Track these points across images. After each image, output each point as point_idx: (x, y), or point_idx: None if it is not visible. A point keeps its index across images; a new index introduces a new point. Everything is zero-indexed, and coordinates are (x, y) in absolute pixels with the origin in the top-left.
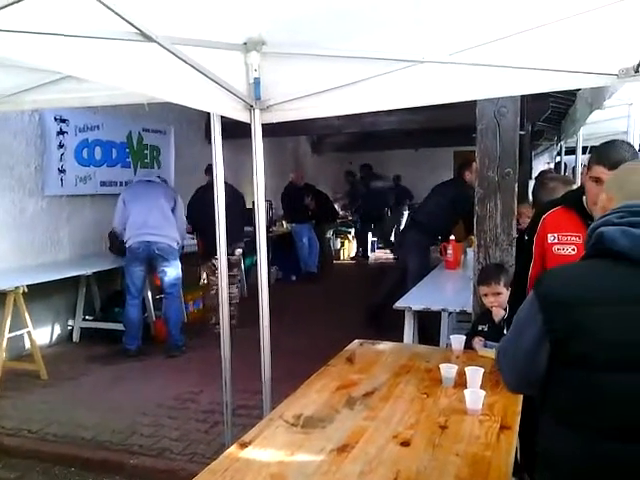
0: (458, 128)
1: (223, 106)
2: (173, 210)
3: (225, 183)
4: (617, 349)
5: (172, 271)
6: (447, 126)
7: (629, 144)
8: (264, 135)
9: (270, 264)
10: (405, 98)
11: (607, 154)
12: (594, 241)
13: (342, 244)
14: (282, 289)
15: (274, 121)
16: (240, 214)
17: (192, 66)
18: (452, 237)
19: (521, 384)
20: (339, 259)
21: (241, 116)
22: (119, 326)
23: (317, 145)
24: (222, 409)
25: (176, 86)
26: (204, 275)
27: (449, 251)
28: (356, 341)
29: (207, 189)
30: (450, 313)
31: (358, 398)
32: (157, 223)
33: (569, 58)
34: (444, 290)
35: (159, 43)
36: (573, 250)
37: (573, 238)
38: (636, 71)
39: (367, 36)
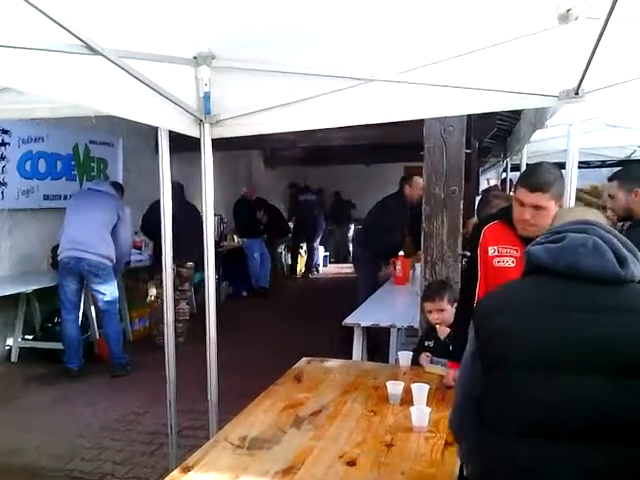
0: (408, 144)
1: (171, 120)
2: (116, 225)
3: (182, 197)
4: (534, 351)
5: (106, 288)
6: (397, 142)
7: (554, 166)
8: (215, 148)
9: (221, 279)
10: (355, 116)
11: (529, 178)
12: (525, 260)
13: (294, 259)
14: (233, 305)
15: (225, 136)
16: (196, 229)
17: (139, 80)
18: (401, 253)
19: (464, 407)
20: (294, 274)
21: (190, 130)
22: (60, 345)
23: (270, 159)
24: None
25: (122, 100)
26: (153, 291)
27: (398, 267)
28: (304, 359)
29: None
30: (399, 329)
31: (305, 417)
32: (88, 239)
33: (513, 79)
34: (393, 306)
35: (105, 56)
36: (512, 262)
37: (511, 251)
38: (576, 93)
39: (318, 53)
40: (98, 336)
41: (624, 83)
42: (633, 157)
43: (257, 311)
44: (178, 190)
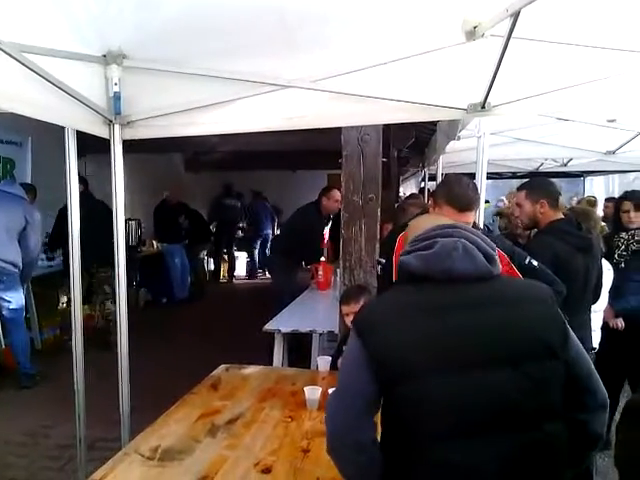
0: (331, 152)
1: (78, 120)
2: (24, 229)
3: (99, 200)
4: (430, 357)
5: (11, 296)
6: (321, 149)
7: (460, 177)
8: (131, 151)
9: (139, 286)
10: (271, 121)
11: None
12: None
13: (217, 265)
14: (152, 312)
15: (136, 137)
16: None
17: (42, 76)
18: (323, 258)
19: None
20: (217, 279)
21: (99, 131)
22: None
23: (192, 163)
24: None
25: (24, 97)
26: (64, 298)
27: (320, 272)
28: (222, 366)
29: (81, 205)
30: (321, 334)
31: (221, 426)
32: None
33: (425, 92)
34: (315, 311)
35: (4, 50)
36: None
37: None
38: (482, 107)
39: (234, 57)
40: (4, 346)
41: (527, 99)
42: (541, 169)
43: (177, 318)
44: (89, 191)
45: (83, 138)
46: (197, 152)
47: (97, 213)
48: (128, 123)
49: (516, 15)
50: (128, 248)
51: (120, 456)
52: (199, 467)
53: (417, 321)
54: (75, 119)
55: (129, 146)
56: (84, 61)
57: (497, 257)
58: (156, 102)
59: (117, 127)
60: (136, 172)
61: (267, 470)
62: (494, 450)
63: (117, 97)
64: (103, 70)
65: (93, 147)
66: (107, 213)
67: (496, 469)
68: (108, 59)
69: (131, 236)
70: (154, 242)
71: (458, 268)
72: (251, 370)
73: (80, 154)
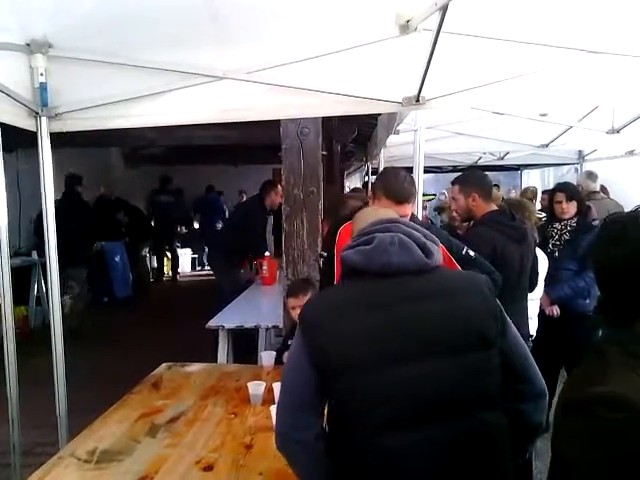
0: (273, 146)
1: (0, 112)
2: None
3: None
4: (370, 351)
5: None
6: (263, 143)
7: (397, 171)
8: (65, 144)
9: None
10: (207, 114)
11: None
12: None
13: (160, 262)
14: (92, 312)
15: (65, 130)
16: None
17: None
18: (267, 253)
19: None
20: (161, 277)
21: (25, 124)
22: None
23: (130, 157)
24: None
25: None
26: None
27: (264, 267)
28: (164, 365)
29: (64, 201)
30: (267, 329)
31: (162, 425)
32: None
33: (361, 85)
34: (260, 306)
35: None
36: None
37: None
38: (417, 100)
39: (165, 48)
40: None
41: (460, 92)
42: (480, 163)
43: (119, 317)
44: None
45: (15, 132)
46: (136, 147)
47: (76, 210)
48: (56, 115)
49: (444, 9)
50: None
51: (55, 460)
52: (139, 467)
53: (357, 316)
54: None
55: (57, 139)
56: (5, 49)
57: (436, 249)
58: (85, 94)
59: (44, 119)
60: (70, 166)
61: (209, 467)
62: (428, 438)
63: (43, 88)
64: (28, 60)
65: (27, 141)
66: (83, 210)
67: (431, 456)
68: (32, 48)
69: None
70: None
71: (394, 262)
72: (194, 368)
73: (11, 148)
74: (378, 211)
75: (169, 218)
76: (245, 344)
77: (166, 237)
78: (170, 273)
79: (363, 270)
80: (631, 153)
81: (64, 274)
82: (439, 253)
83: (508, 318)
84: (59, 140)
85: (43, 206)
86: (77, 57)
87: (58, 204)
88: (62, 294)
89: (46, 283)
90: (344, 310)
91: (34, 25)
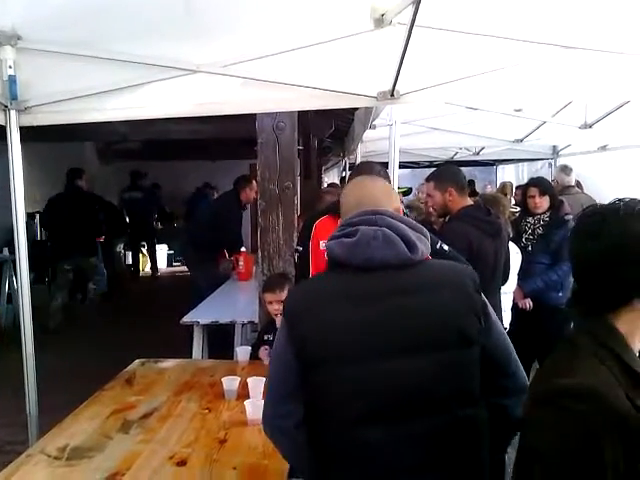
0: (250, 140)
1: None
2: None
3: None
4: (345, 345)
5: None
6: (239, 137)
7: (371, 165)
8: (35, 139)
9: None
10: (182, 107)
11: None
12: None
13: (136, 258)
14: (66, 309)
15: (35, 124)
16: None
17: None
18: (243, 249)
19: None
20: (137, 273)
21: None
22: None
23: (104, 153)
24: None
25: None
26: None
27: (240, 263)
28: (137, 361)
29: (66, 195)
30: (243, 325)
31: (134, 421)
32: None
33: (336, 79)
34: (236, 302)
35: None
36: None
37: None
38: (391, 94)
39: (138, 40)
40: None
41: (435, 87)
42: (456, 158)
43: (94, 315)
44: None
45: None
46: (109, 142)
47: (83, 205)
48: (25, 109)
49: (418, 2)
50: (36, 243)
51: (23, 458)
52: (110, 464)
53: (339, 308)
54: None
55: (27, 133)
56: None
57: (424, 240)
58: (56, 87)
59: (13, 113)
60: (42, 161)
61: (182, 462)
62: (407, 432)
63: (12, 81)
64: None
65: None
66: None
67: (410, 450)
68: (1, 40)
69: (39, 230)
70: None
71: (377, 257)
72: (168, 364)
73: None
74: (364, 183)
75: (139, 215)
76: (221, 340)
77: (142, 233)
78: (148, 269)
79: (345, 263)
80: (604, 148)
81: (76, 266)
82: (426, 245)
83: (493, 313)
84: (28, 135)
85: (12, 203)
86: (47, 49)
87: (58, 198)
88: (86, 283)
89: (17, 280)
90: (326, 301)
91: (2, 17)
